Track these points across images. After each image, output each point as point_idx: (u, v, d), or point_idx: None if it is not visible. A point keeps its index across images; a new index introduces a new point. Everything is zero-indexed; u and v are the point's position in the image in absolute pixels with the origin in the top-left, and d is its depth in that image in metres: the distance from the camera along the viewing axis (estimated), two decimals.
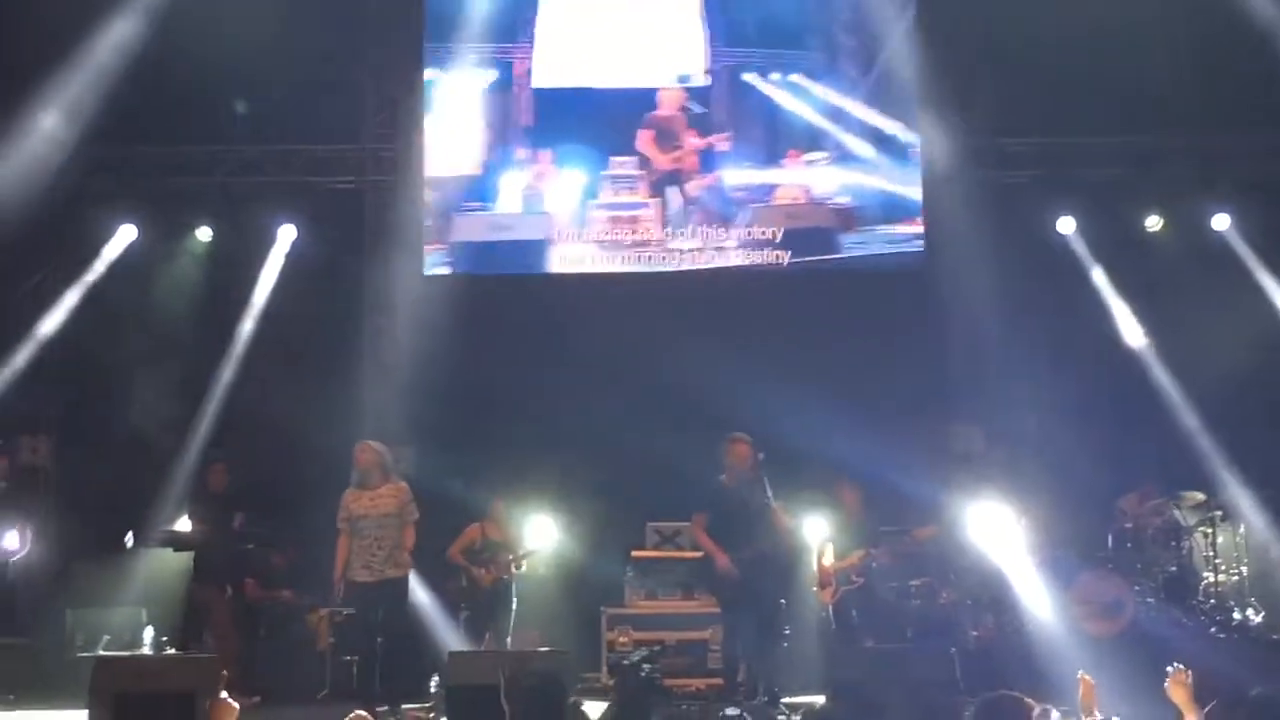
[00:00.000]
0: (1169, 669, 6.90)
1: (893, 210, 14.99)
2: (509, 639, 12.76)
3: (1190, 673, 6.81)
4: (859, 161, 15.06)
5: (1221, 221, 14.85)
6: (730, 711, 10.60)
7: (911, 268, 14.86)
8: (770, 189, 15.15)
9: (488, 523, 13.17)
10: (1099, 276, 14.91)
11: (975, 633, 12.80)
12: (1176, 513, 13.57)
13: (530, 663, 10.63)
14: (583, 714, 10.06)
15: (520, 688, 6.28)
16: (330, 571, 11.72)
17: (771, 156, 15.16)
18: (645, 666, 9.62)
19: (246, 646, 12.53)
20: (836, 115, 15.12)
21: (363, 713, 7.18)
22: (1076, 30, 14.21)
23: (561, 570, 13.96)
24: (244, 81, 14.15)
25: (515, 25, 15.19)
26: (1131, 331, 14.74)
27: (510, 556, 13.03)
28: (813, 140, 15.13)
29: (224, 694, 6.00)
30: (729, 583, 12.00)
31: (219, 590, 12.40)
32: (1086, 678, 7.17)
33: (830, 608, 12.81)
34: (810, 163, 15.08)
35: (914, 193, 14.96)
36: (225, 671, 8.74)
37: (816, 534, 12.96)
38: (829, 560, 12.84)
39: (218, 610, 12.37)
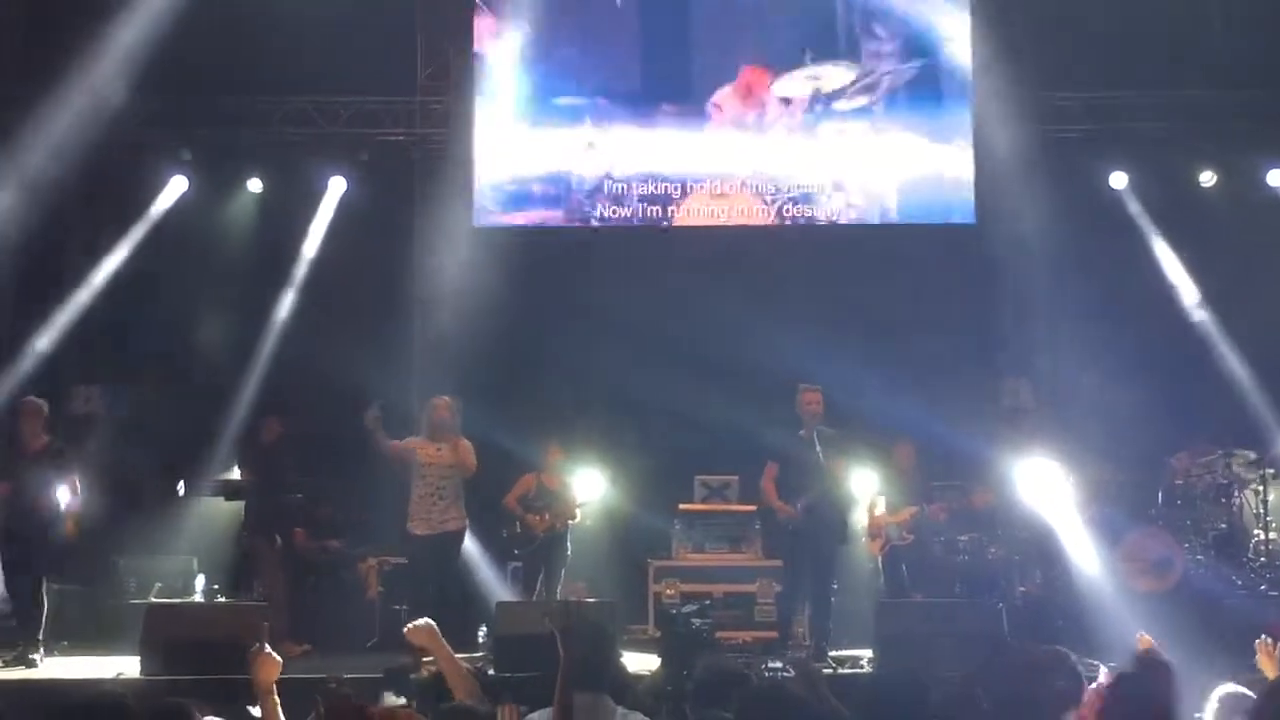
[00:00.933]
0: (1257, 641, 6.79)
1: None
2: (560, 586, 12.86)
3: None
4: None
5: (1276, 177, 14.69)
6: (774, 663, 10.61)
7: (962, 224, 14.80)
8: None
9: (544, 472, 13.21)
10: (1151, 232, 14.79)
11: (1023, 588, 12.78)
12: (1227, 469, 13.48)
13: (579, 612, 10.72)
14: (623, 666, 10.13)
15: (575, 632, 6.27)
16: (379, 520, 11.95)
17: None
18: (695, 621, 9.60)
19: (296, 595, 12.65)
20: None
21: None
22: None
23: (609, 523, 14.00)
24: (295, 32, 14.09)
25: None
26: (1184, 287, 14.61)
27: (564, 507, 13.08)
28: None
29: (266, 646, 5.99)
30: (787, 533, 12.10)
31: (268, 540, 12.52)
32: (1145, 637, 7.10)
33: (880, 560, 12.88)
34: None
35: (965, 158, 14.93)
36: (270, 622, 8.86)
37: (868, 487, 13.02)
38: (880, 512, 12.90)
39: (267, 560, 12.49)
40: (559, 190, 14.97)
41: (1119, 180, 14.89)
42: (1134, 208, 14.87)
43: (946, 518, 12.95)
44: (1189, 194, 14.84)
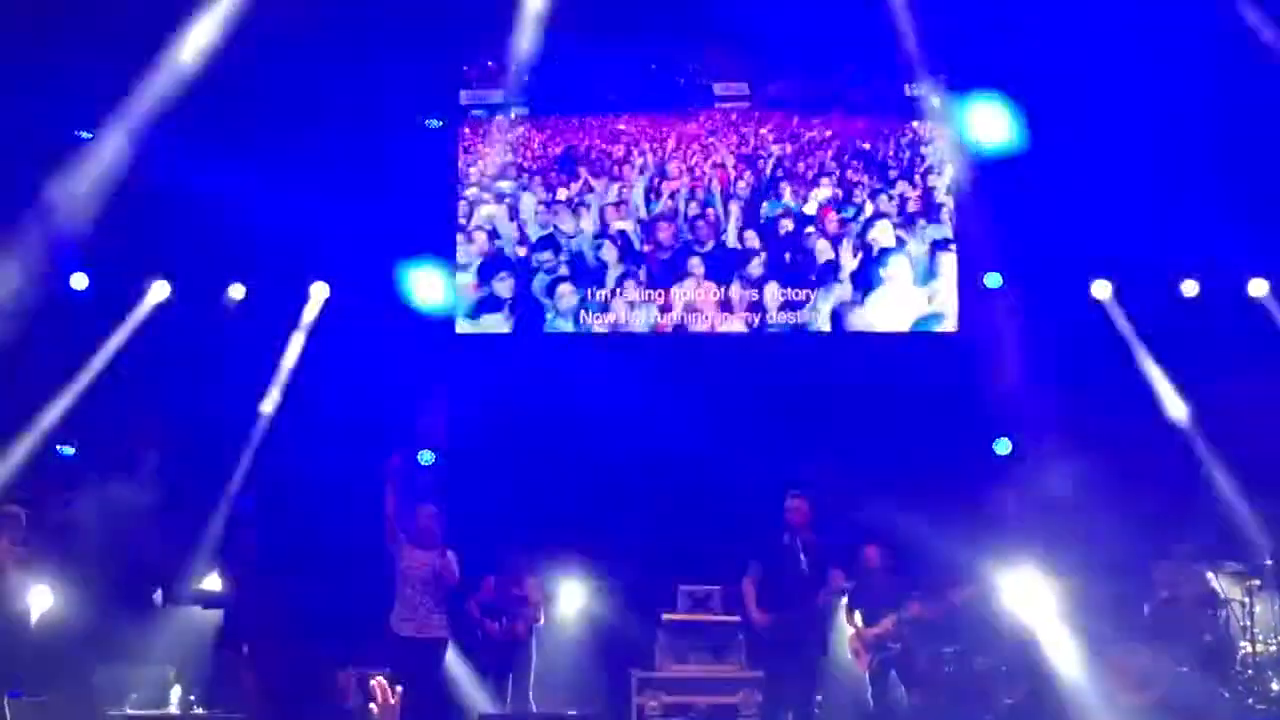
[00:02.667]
0: None
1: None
2: (531, 696, 12.75)
3: None
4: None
5: (1259, 287, 14.74)
6: None
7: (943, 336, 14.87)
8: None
9: (503, 577, 13.15)
10: (1134, 339, 14.82)
11: (1009, 700, 12.69)
12: (1213, 582, 13.43)
13: None
14: None
15: None
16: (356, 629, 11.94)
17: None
18: None
19: (270, 706, 12.47)
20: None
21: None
22: (1114, 92, 14.22)
23: (591, 632, 13.95)
24: (280, 134, 14.19)
25: None
26: (1169, 396, 14.62)
27: (528, 610, 13.01)
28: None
29: None
30: (768, 642, 12.05)
31: (236, 651, 12.41)
32: None
33: (867, 676, 12.83)
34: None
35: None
36: None
37: (844, 598, 13.03)
38: (860, 626, 12.86)
39: (236, 672, 12.38)
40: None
41: (1102, 290, 14.91)
42: (1117, 316, 14.87)
43: (921, 614, 12.90)
44: (1172, 304, 14.86)
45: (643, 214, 15.19)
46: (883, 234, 15.06)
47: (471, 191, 15.23)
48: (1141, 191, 14.40)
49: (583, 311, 15.05)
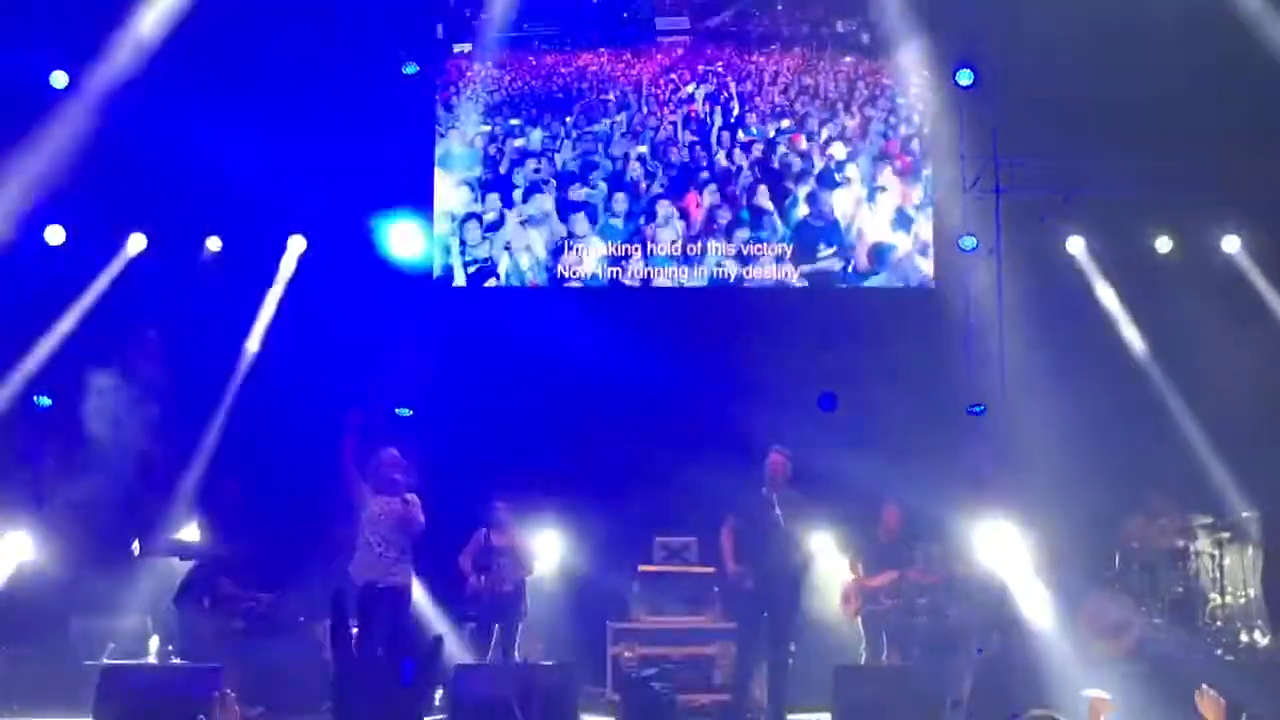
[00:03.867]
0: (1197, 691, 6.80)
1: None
2: (516, 647, 12.81)
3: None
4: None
5: (1231, 244, 14.84)
6: None
7: (921, 288, 14.93)
8: None
9: (491, 529, 13.19)
10: (1108, 297, 14.89)
11: (982, 650, 12.79)
12: (1184, 534, 13.56)
13: (538, 675, 10.69)
14: None
15: (532, 700, 6.27)
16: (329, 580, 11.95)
17: None
18: (656, 685, 9.59)
19: (245, 655, 12.47)
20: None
21: None
22: (1090, 51, 14.22)
23: (567, 584, 14.00)
24: (260, 88, 14.19)
25: None
26: (1141, 352, 14.70)
27: (514, 564, 13.07)
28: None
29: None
30: (743, 594, 12.12)
31: (195, 602, 12.46)
32: (1099, 697, 7.09)
33: (860, 624, 12.96)
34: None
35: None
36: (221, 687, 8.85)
37: (847, 549, 13.13)
38: (859, 574, 13.01)
39: (197, 623, 12.42)
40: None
41: (1076, 245, 14.98)
42: (1091, 272, 14.95)
43: (922, 582, 13.01)
44: (1146, 260, 14.94)
45: (635, 150, 15.20)
46: (838, 152, 15.18)
47: (452, 135, 15.14)
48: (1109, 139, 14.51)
49: (559, 264, 15.02)
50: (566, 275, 14.98)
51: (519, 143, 15.15)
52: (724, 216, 15.08)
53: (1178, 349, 14.52)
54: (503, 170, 15.10)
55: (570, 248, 15.01)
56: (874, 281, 14.99)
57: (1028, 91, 14.44)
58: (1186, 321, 14.44)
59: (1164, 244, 14.96)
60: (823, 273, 15.02)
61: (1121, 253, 14.99)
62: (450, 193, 15.08)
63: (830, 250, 15.01)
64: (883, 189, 15.09)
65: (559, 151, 15.15)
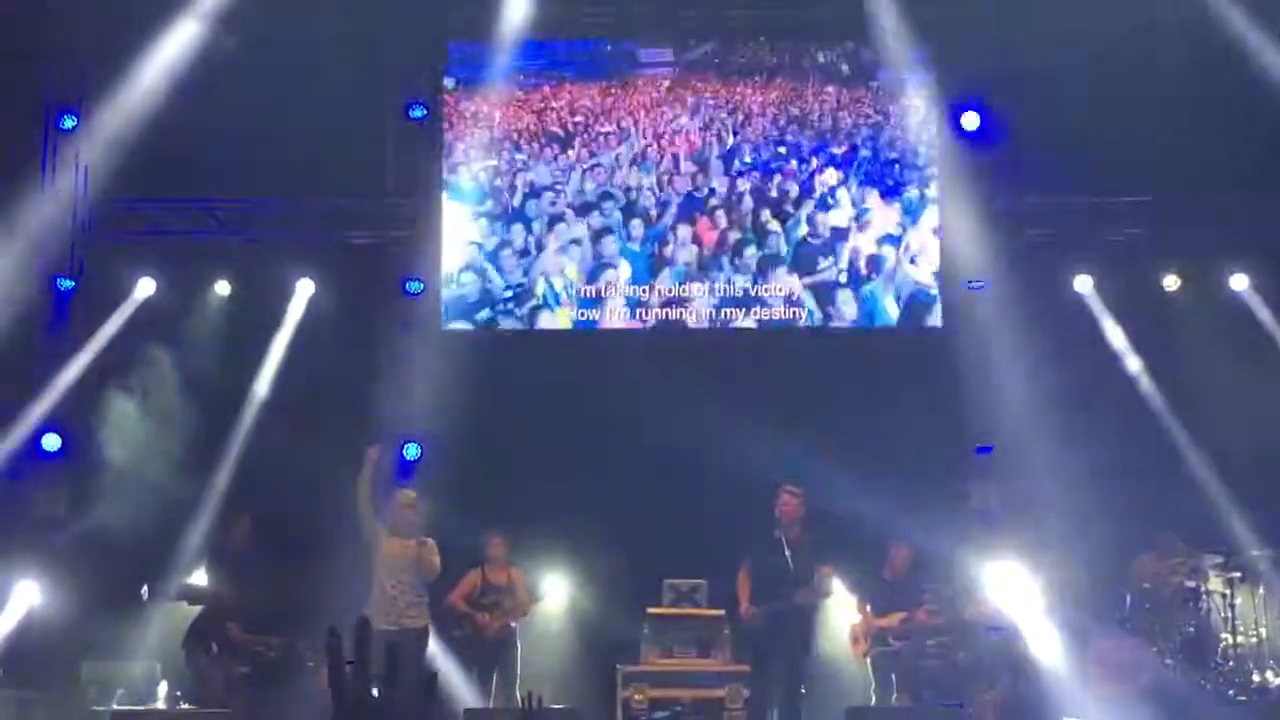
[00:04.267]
0: None
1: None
2: (516, 690, 12.79)
3: None
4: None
5: (1240, 282, 14.83)
6: None
7: (929, 329, 14.93)
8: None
9: (488, 567, 13.19)
10: (1116, 335, 14.88)
11: (992, 692, 12.75)
12: (1194, 574, 13.52)
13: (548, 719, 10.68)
14: None
15: None
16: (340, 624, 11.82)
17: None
18: None
19: (250, 700, 12.46)
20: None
21: None
22: (1096, 89, 14.27)
23: (576, 626, 14.01)
24: (265, 133, 14.17)
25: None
26: (1150, 390, 14.68)
27: (514, 603, 13.05)
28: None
29: None
30: (755, 636, 12.12)
31: (204, 648, 12.44)
32: None
33: (870, 665, 12.93)
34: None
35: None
36: None
37: (856, 590, 13.11)
38: (868, 614, 12.99)
39: (206, 669, 12.40)
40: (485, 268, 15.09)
41: (1084, 284, 14.99)
42: (1099, 311, 14.95)
43: (932, 624, 12.97)
44: (1154, 298, 14.94)
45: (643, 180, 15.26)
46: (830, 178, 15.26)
47: (461, 170, 15.19)
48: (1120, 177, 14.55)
49: (570, 306, 15.04)
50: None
51: (530, 176, 15.19)
52: (733, 238, 15.11)
53: (1186, 387, 14.50)
54: (516, 203, 15.12)
55: (600, 272, 15.05)
56: (882, 320, 14.99)
57: (1035, 132, 14.49)
58: (1195, 359, 14.45)
59: (1172, 282, 14.94)
60: (824, 284, 15.02)
61: (1130, 291, 14.97)
62: (468, 225, 15.11)
63: (828, 261, 15.04)
64: (869, 210, 15.15)
65: (568, 184, 15.20)
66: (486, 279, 15.04)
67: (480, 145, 15.17)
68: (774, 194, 15.17)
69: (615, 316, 15.00)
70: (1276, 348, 14.64)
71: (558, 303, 15.01)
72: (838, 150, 15.23)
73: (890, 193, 15.16)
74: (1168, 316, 14.89)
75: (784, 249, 15.10)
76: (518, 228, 15.11)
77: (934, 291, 14.99)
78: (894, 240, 15.08)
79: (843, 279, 15.03)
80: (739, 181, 15.20)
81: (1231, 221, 14.79)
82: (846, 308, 14.99)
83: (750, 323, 15.01)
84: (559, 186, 15.21)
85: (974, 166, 14.82)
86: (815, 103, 15.28)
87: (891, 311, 15.01)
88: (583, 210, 15.19)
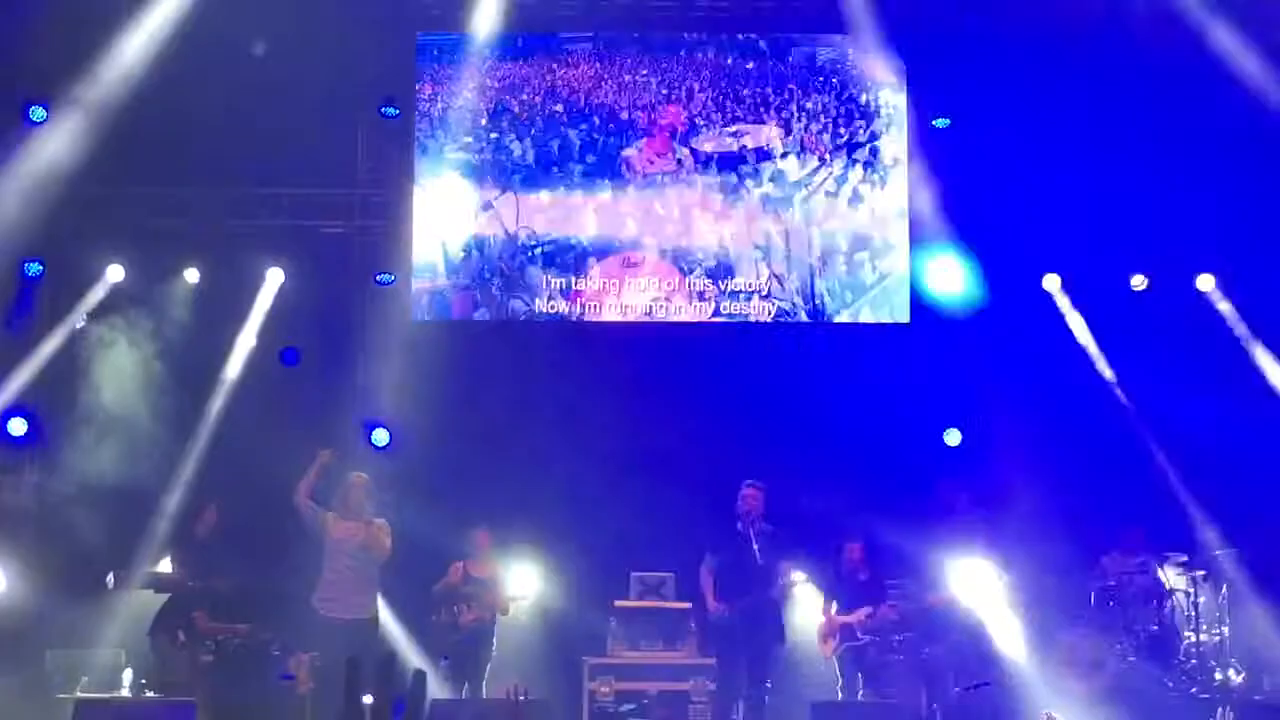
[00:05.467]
0: None
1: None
2: (484, 683, 12.79)
3: None
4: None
5: (1205, 282, 14.91)
6: None
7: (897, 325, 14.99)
8: None
9: (471, 560, 13.19)
10: (1083, 334, 14.95)
11: (957, 689, 12.81)
12: (1158, 572, 13.62)
13: (511, 712, 10.67)
14: None
15: None
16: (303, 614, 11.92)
17: None
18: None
19: (218, 689, 12.42)
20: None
21: None
22: (1066, 90, 14.42)
23: (543, 619, 14.03)
24: (236, 122, 14.12)
25: None
26: (1115, 389, 14.76)
27: (493, 598, 13.05)
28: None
29: None
30: (721, 631, 12.15)
31: (170, 637, 12.40)
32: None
33: (837, 662, 12.96)
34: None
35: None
36: None
37: (819, 588, 13.15)
38: (834, 612, 13.02)
39: (172, 658, 12.37)
40: (455, 257, 15.05)
41: (1051, 283, 15.05)
42: (1066, 309, 15.01)
43: (898, 618, 13.00)
44: (1121, 297, 15.01)
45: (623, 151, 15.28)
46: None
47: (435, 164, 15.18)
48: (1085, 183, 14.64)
49: (538, 298, 15.03)
50: (548, 309, 14.98)
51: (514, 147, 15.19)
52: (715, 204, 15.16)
53: (1152, 386, 14.57)
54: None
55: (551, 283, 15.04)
56: (846, 317, 15.01)
57: (1001, 124, 14.57)
58: (1160, 359, 14.54)
59: (1139, 281, 15.01)
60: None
61: (1096, 290, 15.04)
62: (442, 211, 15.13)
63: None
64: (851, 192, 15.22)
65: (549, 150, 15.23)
66: (455, 268, 15.01)
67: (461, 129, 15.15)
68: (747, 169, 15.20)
69: (592, 310, 15.01)
70: (1241, 347, 14.72)
71: (530, 294, 14.99)
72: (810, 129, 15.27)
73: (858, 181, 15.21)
74: (1134, 315, 14.97)
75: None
76: (489, 216, 15.09)
77: (903, 286, 15.02)
78: (862, 235, 15.12)
79: (810, 272, 15.05)
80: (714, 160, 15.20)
81: (1198, 222, 14.85)
82: (814, 300, 15.00)
83: (717, 317, 15.00)
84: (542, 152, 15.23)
85: (943, 158, 14.84)
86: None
87: (861, 305, 15.03)
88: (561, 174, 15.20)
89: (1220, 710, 6.90)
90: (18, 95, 13.70)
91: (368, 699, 6.80)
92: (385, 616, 12.84)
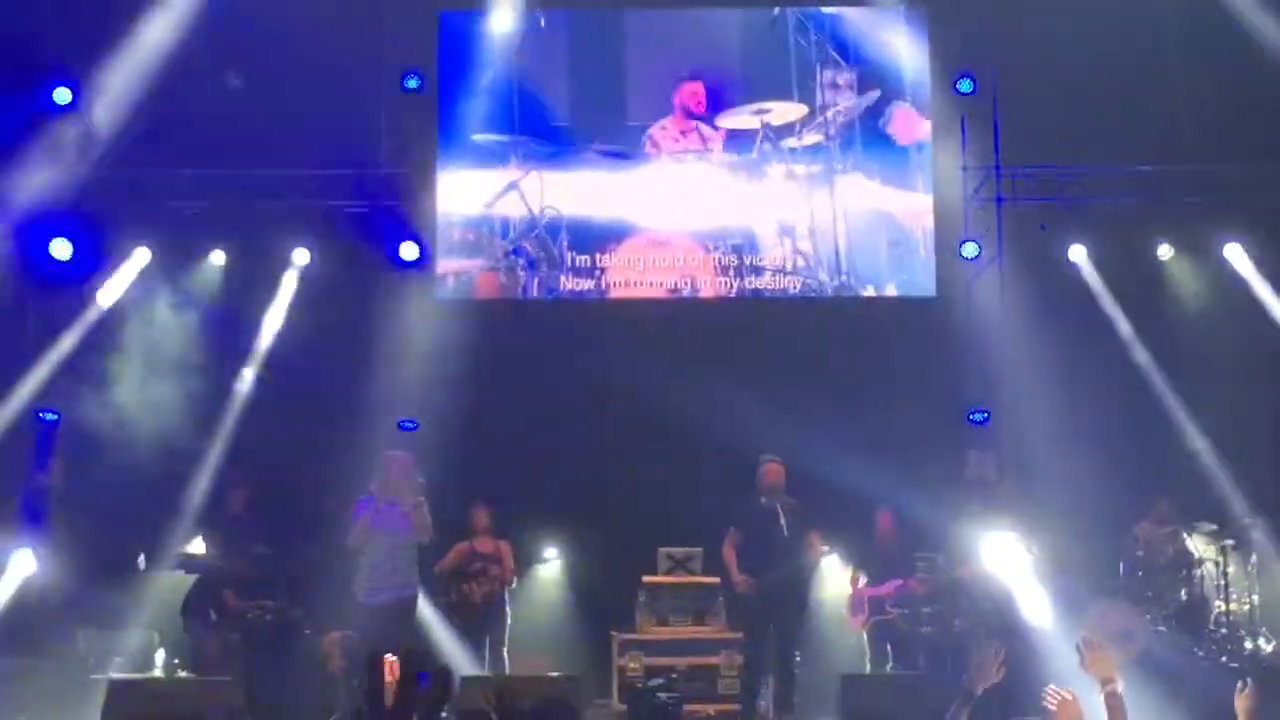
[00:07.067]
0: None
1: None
2: (505, 655, 12.83)
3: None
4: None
5: (1233, 251, 14.84)
6: None
7: (924, 298, 14.93)
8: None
9: (475, 538, 13.24)
10: (1111, 304, 14.90)
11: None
12: (1188, 541, 13.59)
13: (538, 687, 10.71)
14: None
15: (518, 711, 6.34)
16: (335, 593, 11.96)
17: None
18: (661, 695, 9.60)
19: (250, 667, 12.48)
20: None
21: None
22: (1091, 59, 14.28)
23: (572, 594, 14.06)
24: (260, 103, 14.14)
25: None
26: (1143, 359, 14.70)
27: (501, 571, 13.09)
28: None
29: None
30: (749, 605, 12.15)
31: (202, 618, 12.46)
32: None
33: (865, 633, 12.96)
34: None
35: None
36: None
37: (849, 560, 13.14)
38: (862, 585, 13.02)
39: (204, 638, 12.43)
40: (478, 236, 15.02)
41: (1078, 253, 14.99)
42: (1093, 280, 14.96)
43: (927, 591, 13.00)
44: (1148, 267, 14.96)
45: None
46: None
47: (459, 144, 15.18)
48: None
49: (563, 277, 15.04)
50: (570, 286, 14.97)
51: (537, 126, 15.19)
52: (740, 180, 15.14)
53: (1180, 356, 14.55)
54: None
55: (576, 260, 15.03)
56: (871, 291, 14.98)
57: (1028, 99, 14.51)
58: (1188, 328, 14.50)
59: (1165, 251, 14.96)
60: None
61: (1124, 260, 14.99)
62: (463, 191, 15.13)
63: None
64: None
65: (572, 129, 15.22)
66: (480, 248, 15.01)
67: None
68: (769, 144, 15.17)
69: (618, 287, 15.01)
70: (1268, 316, 14.66)
71: (555, 272, 14.99)
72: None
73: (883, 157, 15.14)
74: (1162, 285, 14.92)
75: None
76: (513, 196, 15.09)
77: (930, 260, 14.98)
78: (886, 209, 15.08)
79: (835, 246, 15.03)
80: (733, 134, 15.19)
81: (1225, 191, 14.78)
82: (840, 275, 14.98)
83: (743, 293, 14.99)
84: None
85: (968, 131, 14.77)
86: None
87: (887, 279, 15.00)
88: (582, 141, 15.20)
89: (1240, 682, 6.83)
90: (43, 77, 13.73)
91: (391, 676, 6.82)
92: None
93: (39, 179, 13.60)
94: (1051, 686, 6.80)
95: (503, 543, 13.34)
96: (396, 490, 12.07)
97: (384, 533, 12.02)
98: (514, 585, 13.31)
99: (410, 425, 13.99)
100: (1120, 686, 6.76)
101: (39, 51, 13.80)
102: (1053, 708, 6.64)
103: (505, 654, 12.94)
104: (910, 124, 15.17)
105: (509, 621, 13.16)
